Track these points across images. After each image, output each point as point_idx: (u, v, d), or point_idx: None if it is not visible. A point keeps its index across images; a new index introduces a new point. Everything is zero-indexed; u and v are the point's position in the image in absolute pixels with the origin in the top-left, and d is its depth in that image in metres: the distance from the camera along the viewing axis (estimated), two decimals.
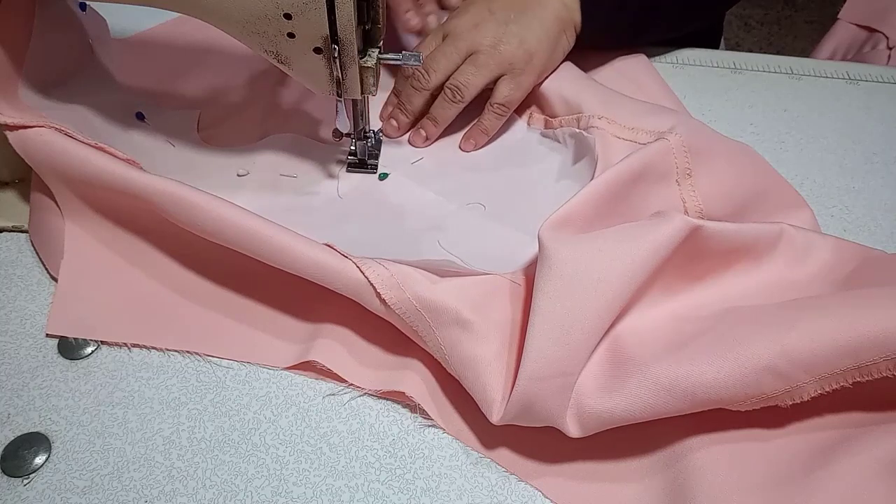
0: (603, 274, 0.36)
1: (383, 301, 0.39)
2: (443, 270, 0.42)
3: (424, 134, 0.54)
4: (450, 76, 0.53)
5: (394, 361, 0.42)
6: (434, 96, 0.54)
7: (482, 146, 0.55)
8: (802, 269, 0.41)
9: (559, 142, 0.54)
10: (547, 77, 0.55)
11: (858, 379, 0.34)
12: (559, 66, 0.56)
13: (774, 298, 0.39)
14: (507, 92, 0.53)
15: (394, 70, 0.60)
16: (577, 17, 0.55)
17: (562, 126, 0.54)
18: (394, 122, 0.55)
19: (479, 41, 0.52)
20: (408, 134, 0.56)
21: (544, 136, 0.56)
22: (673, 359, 0.36)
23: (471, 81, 0.52)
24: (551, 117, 0.56)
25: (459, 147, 0.55)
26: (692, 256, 0.39)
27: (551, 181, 0.52)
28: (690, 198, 0.46)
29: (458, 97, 0.52)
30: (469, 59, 0.52)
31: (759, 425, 0.37)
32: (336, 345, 0.42)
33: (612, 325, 0.39)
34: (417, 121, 0.55)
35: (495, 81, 0.53)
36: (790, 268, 0.41)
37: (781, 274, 0.41)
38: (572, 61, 0.57)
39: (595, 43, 0.57)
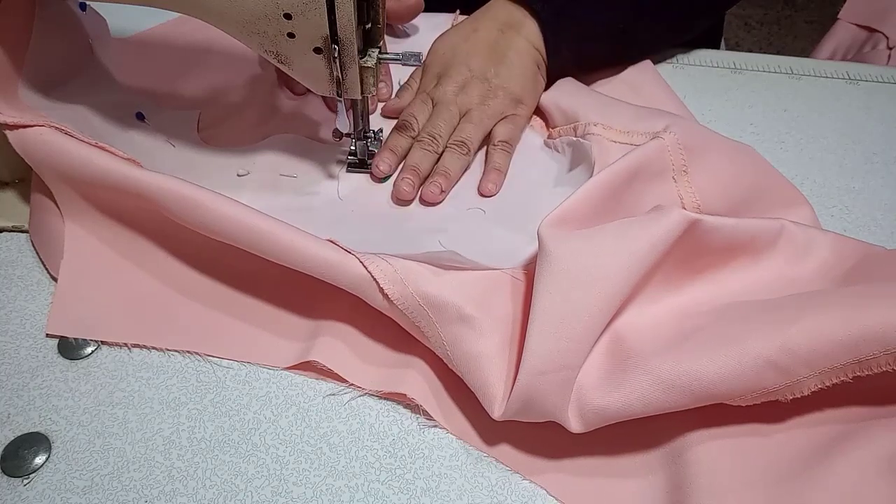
0: (602, 268, 0.37)
1: (386, 296, 0.39)
2: (445, 265, 0.41)
3: (441, 187, 0.51)
4: (451, 135, 0.54)
5: (395, 359, 0.42)
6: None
7: (501, 184, 0.53)
8: (803, 266, 0.41)
9: (557, 151, 0.55)
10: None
11: (859, 373, 0.34)
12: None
13: (775, 295, 0.39)
14: (505, 132, 0.54)
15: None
16: (543, 54, 0.57)
17: (560, 136, 0.55)
18: (406, 189, 0.51)
19: (467, 102, 0.54)
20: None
21: (544, 145, 0.56)
22: (674, 354, 0.36)
23: (473, 135, 0.53)
24: (550, 128, 0.56)
25: (480, 193, 0.52)
26: (692, 252, 0.39)
27: (550, 187, 0.53)
28: (687, 194, 0.46)
29: (466, 150, 0.53)
30: (464, 118, 0.54)
31: (759, 420, 0.37)
32: (337, 342, 0.42)
33: (612, 321, 0.39)
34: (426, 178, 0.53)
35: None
36: (791, 265, 0.41)
37: (782, 270, 0.41)
38: None
39: (568, 74, 0.59)
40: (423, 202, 0.51)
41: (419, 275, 0.39)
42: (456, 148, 0.53)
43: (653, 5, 0.58)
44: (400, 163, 0.53)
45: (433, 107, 0.55)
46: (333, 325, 0.43)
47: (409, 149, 0.53)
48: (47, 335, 0.44)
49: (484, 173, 0.53)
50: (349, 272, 0.40)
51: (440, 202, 0.52)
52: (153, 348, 0.43)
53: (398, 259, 0.40)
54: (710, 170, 0.46)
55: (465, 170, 0.54)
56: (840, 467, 0.34)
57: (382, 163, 0.52)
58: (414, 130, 0.54)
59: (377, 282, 0.39)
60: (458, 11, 0.66)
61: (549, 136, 0.56)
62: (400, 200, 0.51)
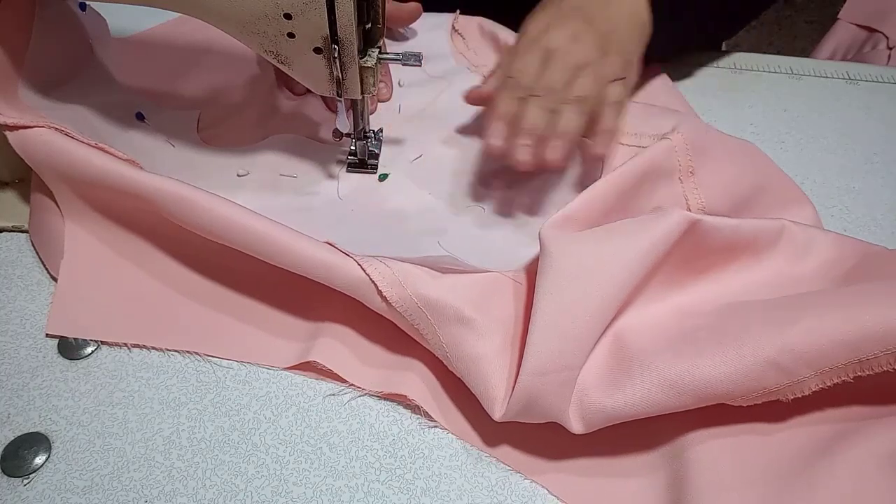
0: (604, 269, 0.37)
1: (384, 299, 0.39)
2: (444, 267, 0.42)
3: (564, 151, 0.46)
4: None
5: (395, 361, 0.42)
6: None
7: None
8: (803, 266, 0.41)
9: None
10: None
11: (859, 373, 0.34)
12: None
13: (776, 294, 0.39)
14: (619, 95, 0.49)
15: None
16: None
17: None
18: (525, 158, 0.46)
19: (585, 54, 0.48)
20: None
21: None
22: (676, 354, 0.36)
23: (593, 93, 0.47)
24: None
25: (593, 155, 0.49)
26: (693, 252, 0.39)
27: (552, 185, 0.52)
28: (693, 195, 0.46)
29: (587, 108, 0.47)
30: (583, 72, 0.47)
31: (760, 419, 0.37)
32: (337, 344, 0.42)
33: (613, 321, 0.39)
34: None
35: None
36: (791, 264, 0.41)
37: (782, 270, 0.41)
38: None
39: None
40: (544, 168, 0.46)
41: (417, 277, 0.39)
42: (576, 106, 0.46)
43: (663, 14, 0.57)
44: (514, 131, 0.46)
45: (544, 56, 0.47)
46: (334, 325, 0.43)
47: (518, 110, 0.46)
48: (47, 335, 0.44)
49: (597, 134, 0.48)
50: (347, 275, 0.40)
51: (563, 168, 0.45)
52: (153, 348, 0.43)
53: (396, 262, 0.40)
54: (715, 171, 0.46)
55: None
56: (840, 465, 0.34)
57: (495, 138, 0.45)
58: (523, 87, 0.46)
59: (375, 284, 0.39)
60: (458, 11, 0.66)
61: None
62: (520, 164, 0.46)
